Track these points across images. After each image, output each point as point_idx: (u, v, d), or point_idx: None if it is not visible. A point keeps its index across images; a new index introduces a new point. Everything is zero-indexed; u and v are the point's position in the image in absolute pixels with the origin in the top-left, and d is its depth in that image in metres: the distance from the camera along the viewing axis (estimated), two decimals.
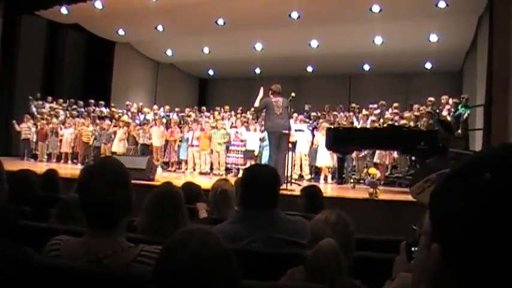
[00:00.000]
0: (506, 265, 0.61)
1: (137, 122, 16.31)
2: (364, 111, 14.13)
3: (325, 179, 12.78)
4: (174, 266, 1.28)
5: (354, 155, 12.49)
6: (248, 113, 15.65)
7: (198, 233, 1.35)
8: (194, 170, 14.40)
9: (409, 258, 1.82)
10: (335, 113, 14.69)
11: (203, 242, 1.32)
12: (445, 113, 12.41)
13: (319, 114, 14.82)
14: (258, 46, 18.48)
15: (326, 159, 12.72)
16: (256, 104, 9.50)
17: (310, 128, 13.66)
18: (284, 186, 8.28)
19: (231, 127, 15.02)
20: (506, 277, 0.61)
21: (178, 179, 10.48)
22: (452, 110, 12.31)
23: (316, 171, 13.53)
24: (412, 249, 1.80)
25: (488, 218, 0.62)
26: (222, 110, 16.89)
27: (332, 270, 1.98)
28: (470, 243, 0.64)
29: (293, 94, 9.43)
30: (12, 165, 9.33)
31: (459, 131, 11.73)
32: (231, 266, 1.34)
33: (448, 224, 0.67)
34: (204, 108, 17.32)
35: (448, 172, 0.74)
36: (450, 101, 12.61)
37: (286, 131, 9.32)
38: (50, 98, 17.81)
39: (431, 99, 12.98)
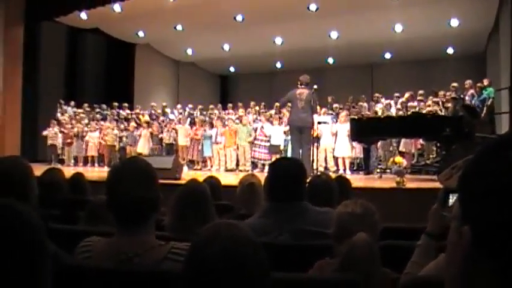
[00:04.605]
0: None
1: (160, 122, 16.43)
2: (387, 101, 14.03)
3: (344, 170, 12.66)
4: (203, 262, 1.27)
5: (379, 144, 12.40)
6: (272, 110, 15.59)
7: (226, 227, 1.34)
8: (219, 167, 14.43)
9: (444, 206, 1.81)
10: (360, 103, 14.60)
11: (232, 236, 1.31)
12: (468, 98, 12.26)
13: (341, 106, 14.72)
14: (278, 40, 18.41)
15: (345, 149, 12.61)
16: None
17: (335, 120, 13.54)
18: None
19: (253, 121, 14.98)
20: None
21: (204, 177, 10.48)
22: (476, 94, 12.14)
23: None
24: (450, 196, 1.79)
25: None
26: (249, 108, 16.58)
27: (368, 265, 1.97)
28: (499, 223, 0.63)
29: (315, 86, 9.45)
30: (40, 170, 9.44)
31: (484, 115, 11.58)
32: (261, 258, 1.33)
33: (476, 205, 0.67)
34: (230, 105, 17.24)
35: (474, 155, 0.73)
36: (478, 84, 12.40)
37: (308, 125, 9.31)
38: (72, 103, 17.98)
39: (455, 84, 12.84)
